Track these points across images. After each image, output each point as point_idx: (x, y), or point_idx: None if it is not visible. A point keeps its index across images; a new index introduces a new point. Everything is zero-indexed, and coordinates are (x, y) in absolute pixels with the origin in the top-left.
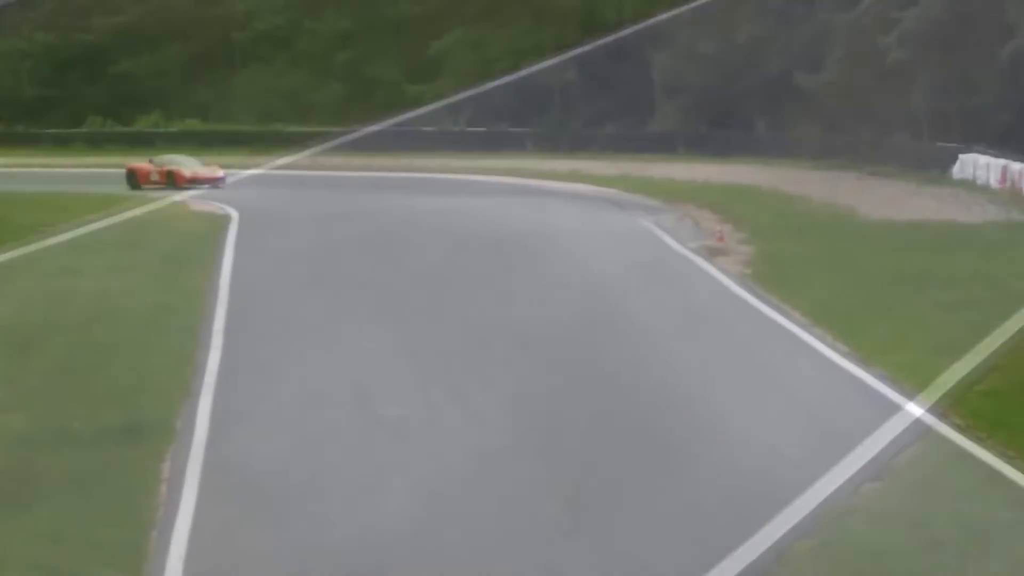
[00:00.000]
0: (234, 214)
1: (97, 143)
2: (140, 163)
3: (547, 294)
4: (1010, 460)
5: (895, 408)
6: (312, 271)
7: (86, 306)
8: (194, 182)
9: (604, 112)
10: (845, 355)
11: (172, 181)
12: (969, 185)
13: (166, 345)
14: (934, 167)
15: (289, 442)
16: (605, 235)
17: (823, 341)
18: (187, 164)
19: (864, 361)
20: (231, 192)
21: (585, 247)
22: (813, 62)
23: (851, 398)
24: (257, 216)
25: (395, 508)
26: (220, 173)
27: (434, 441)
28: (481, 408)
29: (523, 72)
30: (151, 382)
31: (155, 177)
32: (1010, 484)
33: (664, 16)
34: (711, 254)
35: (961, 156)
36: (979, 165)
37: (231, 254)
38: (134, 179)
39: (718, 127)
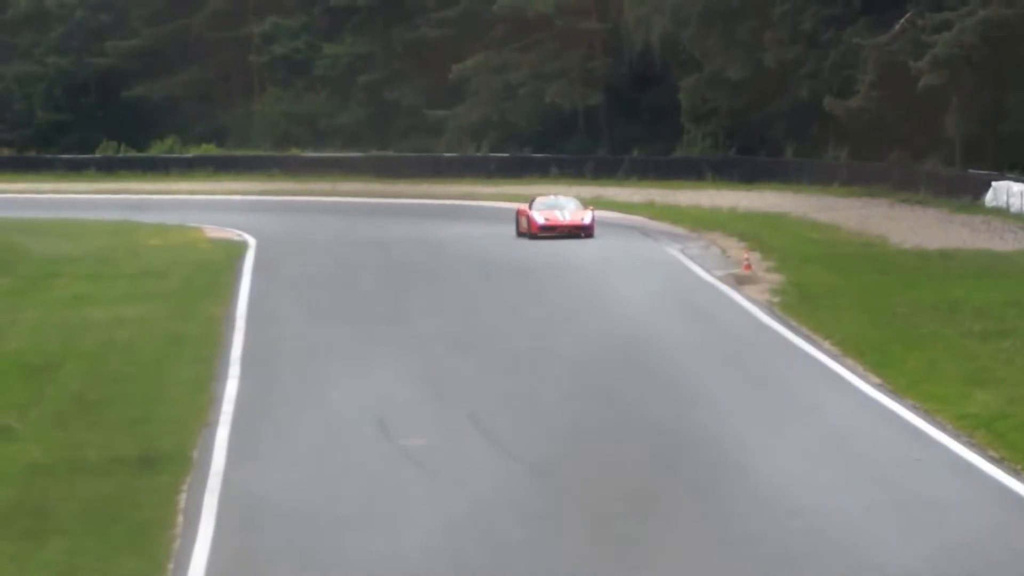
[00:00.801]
0: (251, 241)
1: (111, 168)
2: (524, 204)
3: (572, 323)
4: None
5: (929, 440)
6: (331, 299)
7: (101, 334)
8: (548, 230)
9: (630, 137)
10: (877, 387)
11: (529, 229)
12: (1002, 213)
13: (182, 374)
14: (966, 194)
15: (308, 473)
16: (630, 263)
17: (854, 372)
18: (561, 208)
19: (896, 393)
20: (245, 218)
21: (610, 275)
22: (843, 87)
23: (883, 431)
24: (274, 243)
25: (417, 541)
26: (587, 219)
27: (457, 472)
28: (506, 439)
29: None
30: (167, 412)
31: (524, 223)
32: None
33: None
34: (738, 283)
35: (994, 183)
36: (1012, 192)
37: (248, 282)
38: (517, 225)
39: (746, 153)
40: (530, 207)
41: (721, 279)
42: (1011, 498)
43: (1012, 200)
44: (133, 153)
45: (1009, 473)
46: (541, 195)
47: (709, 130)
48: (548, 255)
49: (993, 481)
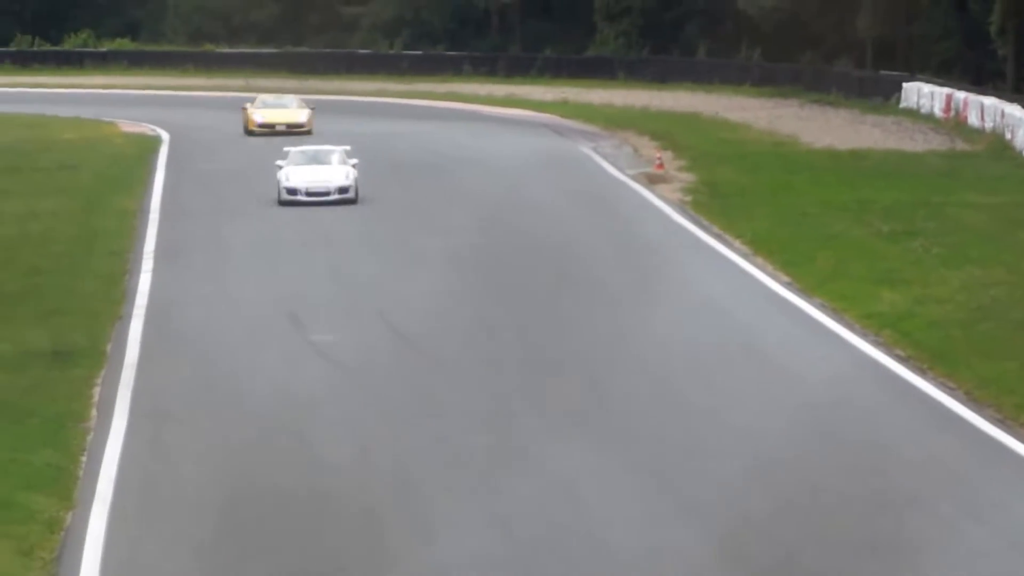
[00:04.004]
0: (165, 136)
1: (25, 62)
2: None
3: (485, 219)
4: (951, 392)
5: (836, 340)
6: (244, 194)
7: (14, 228)
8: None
9: (543, 35)
10: (786, 285)
11: None
12: (913, 114)
13: (96, 268)
14: (877, 95)
15: (220, 367)
16: (543, 161)
17: (763, 271)
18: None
19: (804, 291)
20: (160, 113)
21: (522, 173)
22: None
23: (792, 329)
24: (188, 139)
25: (324, 431)
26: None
27: (363, 365)
28: (413, 334)
29: None
30: (81, 305)
31: None
32: (954, 417)
33: None
34: (650, 181)
35: (905, 85)
36: (923, 94)
37: (162, 176)
38: None
39: (659, 52)
40: None
41: (633, 178)
42: (916, 396)
43: (923, 101)
44: (48, 47)
45: (915, 372)
46: None
47: (622, 29)
48: (459, 152)
49: (898, 378)
